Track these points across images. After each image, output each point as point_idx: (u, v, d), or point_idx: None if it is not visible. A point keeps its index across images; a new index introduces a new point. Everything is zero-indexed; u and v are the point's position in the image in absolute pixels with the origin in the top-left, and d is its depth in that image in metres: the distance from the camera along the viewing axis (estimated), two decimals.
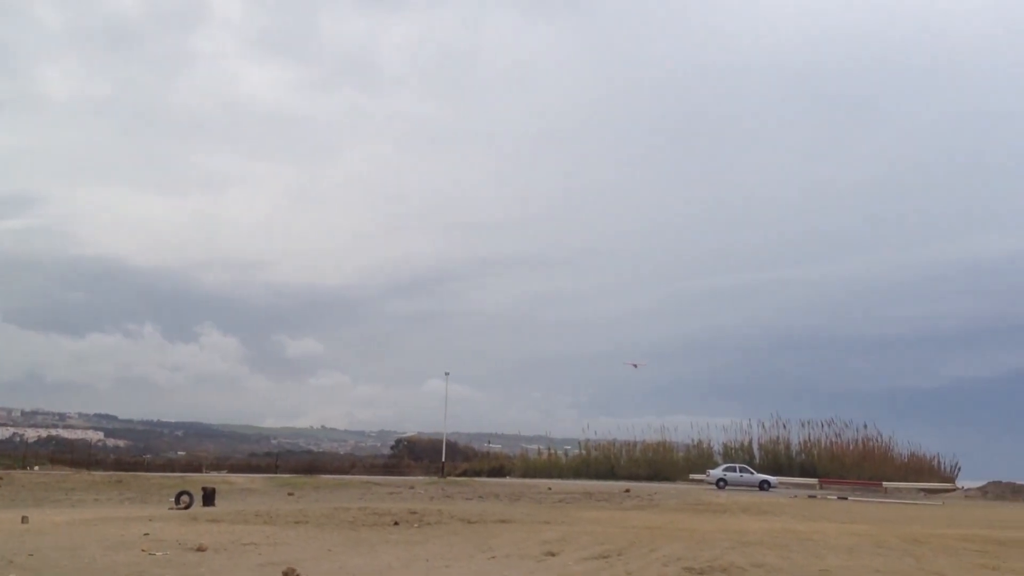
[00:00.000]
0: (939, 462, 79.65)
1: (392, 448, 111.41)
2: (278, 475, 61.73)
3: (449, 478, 65.12)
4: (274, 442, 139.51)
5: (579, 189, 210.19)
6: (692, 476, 70.20)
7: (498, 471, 78.91)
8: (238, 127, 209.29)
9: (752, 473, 64.14)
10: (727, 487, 60.23)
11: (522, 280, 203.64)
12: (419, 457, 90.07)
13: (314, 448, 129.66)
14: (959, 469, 79.93)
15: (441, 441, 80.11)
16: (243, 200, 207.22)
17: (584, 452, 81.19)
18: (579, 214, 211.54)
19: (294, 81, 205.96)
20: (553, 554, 18.26)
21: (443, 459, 77.08)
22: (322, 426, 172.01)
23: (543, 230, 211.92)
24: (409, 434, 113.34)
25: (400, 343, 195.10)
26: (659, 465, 76.50)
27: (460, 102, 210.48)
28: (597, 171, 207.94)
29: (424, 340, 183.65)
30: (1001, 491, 61.87)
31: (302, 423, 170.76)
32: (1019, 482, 63.36)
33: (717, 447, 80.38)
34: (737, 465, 66.92)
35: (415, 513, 28.27)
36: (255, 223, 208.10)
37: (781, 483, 65.04)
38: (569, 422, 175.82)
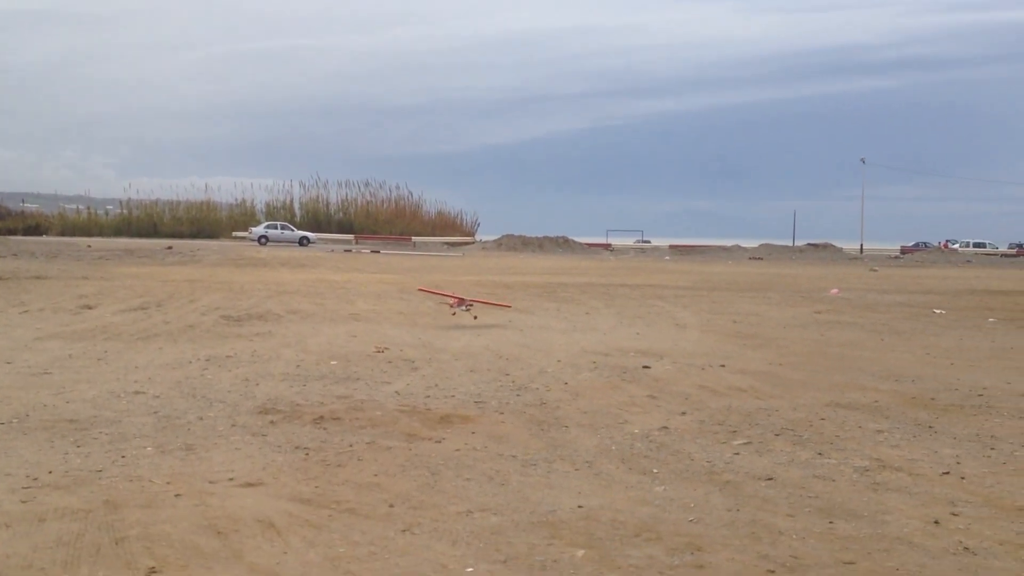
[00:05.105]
0: (462, 218, 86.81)
1: None
2: None
3: None
4: None
5: None
6: (235, 234, 69.65)
7: (34, 230, 72.49)
8: None
9: (293, 230, 64.98)
10: (269, 243, 60.58)
11: (57, 36, 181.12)
12: None
13: None
14: (479, 224, 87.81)
15: None
16: None
17: (126, 211, 77.07)
18: None
19: None
20: (90, 307, 17.26)
21: None
22: None
23: None
24: None
25: None
26: (203, 223, 74.97)
27: None
28: None
29: None
30: (513, 243, 68.85)
31: None
32: (528, 235, 70.79)
33: (260, 206, 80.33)
34: (279, 223, 67.34)
35: None
36: None
37: (320, 239, 66.82)
38: (109, 182, 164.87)
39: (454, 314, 15.47)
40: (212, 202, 78.83)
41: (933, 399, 9.44)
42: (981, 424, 8.22)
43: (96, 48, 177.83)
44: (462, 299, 15.88)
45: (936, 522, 5.43)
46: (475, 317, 15.35)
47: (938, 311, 20.42)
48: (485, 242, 73.32)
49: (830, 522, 5.42)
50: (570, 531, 5.22)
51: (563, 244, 70.17)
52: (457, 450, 7.01)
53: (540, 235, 71.30)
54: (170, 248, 46.06)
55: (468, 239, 78.57)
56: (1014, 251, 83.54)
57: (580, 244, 72.01)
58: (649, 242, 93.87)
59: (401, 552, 4.86)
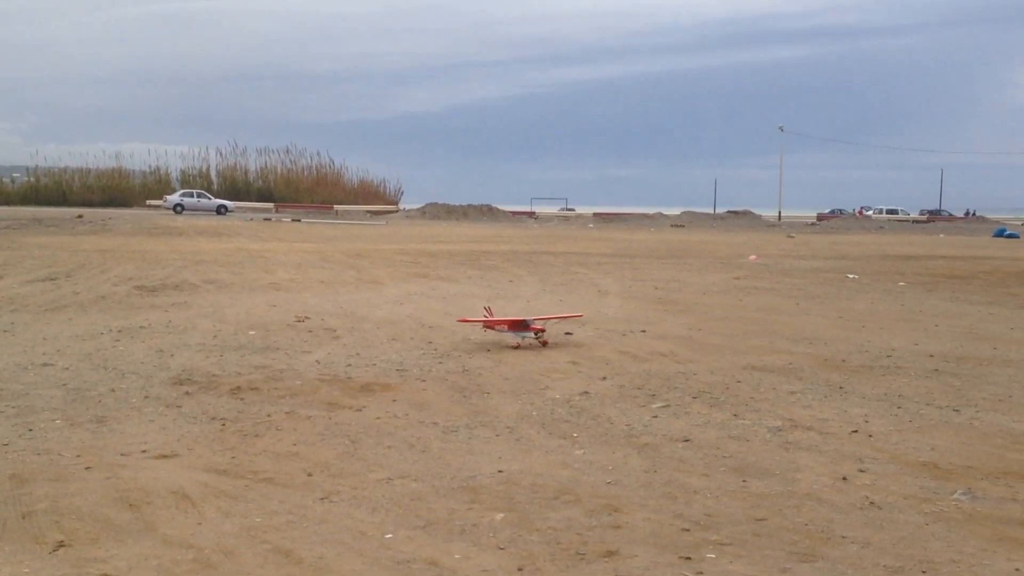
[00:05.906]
0: (385, 187, 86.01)
1: None
2: None
3: None
4: None
5: None
6: (149, 202, 67.89)
7: None
8: None
9: (210, 198, 63.59)
10: (185, 212, 59.24)
11: None
12: None
13: None
14: (402, 193, 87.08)
15: None
16: None
17: (33, 179, 74.45)
18: None
19: None
20: None
21: None
22: None
23: None
24: None
25: None
26: (115, 191, 72.84)
27: None
28: None
29: None
30: (437, 211, 68.43)
31: None
32: (452, 204, 70.44)
33: (175, 174, 78.34)
34: (195, 191, 65.81)
35: None
36: None
37: (239, 207, 65.50)
38: (15, 148, 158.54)
39: (517, 345, 10.35)
40: (124, 169, 76.47)
41: (844, 361, 9.73)
42: (889, 384, 8.51)
43: None
44: (522, 320, 10.67)
45: (844, 478, 5.62)
46: (544, 343, 10.48)
47: (852, 276, 21.00)
48: (409, 211, 72.72)
49: (743, 481, 5.57)
50: (490, 495, 5.26)
51: (487, 212, 70.06)
52: (378, 418, 7.01)
53: (464, 203, 71.01)
54: (80, 217, 44.67)
55: (391, 208, 77.79)
56: (925, 217, 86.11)
57: (504, 212, 71.97)
58: (573, 210, 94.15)
59: (319, 520, 4.85)
